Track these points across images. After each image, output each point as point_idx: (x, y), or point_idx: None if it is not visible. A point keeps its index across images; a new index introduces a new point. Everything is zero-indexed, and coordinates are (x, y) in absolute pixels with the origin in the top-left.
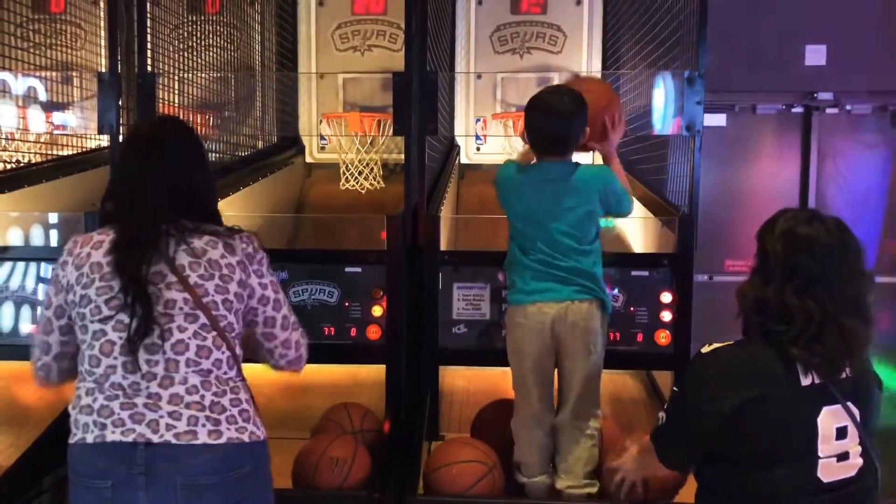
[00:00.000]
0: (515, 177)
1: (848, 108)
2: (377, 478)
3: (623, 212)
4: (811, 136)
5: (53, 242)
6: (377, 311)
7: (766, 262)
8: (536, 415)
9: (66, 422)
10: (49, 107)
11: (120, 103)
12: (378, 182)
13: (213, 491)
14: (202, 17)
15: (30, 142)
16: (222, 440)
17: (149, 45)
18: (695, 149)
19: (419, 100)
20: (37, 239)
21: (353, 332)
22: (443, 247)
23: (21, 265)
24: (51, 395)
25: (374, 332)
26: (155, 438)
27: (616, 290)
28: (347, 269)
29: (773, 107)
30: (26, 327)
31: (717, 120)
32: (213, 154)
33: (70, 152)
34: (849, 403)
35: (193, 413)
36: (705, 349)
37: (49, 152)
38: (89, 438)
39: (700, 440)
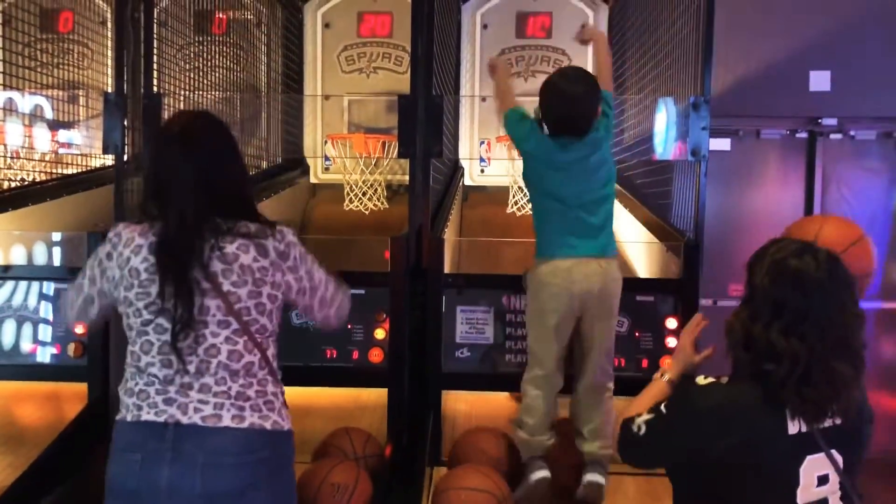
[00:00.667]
0: (542, 154)
1: (852, 133)
2: (379, 502)
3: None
4: (815, 161)
5: (56, 261)
6: (380, 333)
7: (754, 296)
8: (549, 375)
9: (65, 444)
10: (55, 125)
11: (125, 123)
12: (382, 203)
13: (231, 471)
14: (209, 39)
15: (35, 160)
16: (244, 424)
17: (155, 66)
18: (700, 174)
19: (424, 123)
20: (40, 258)
21: (356, 354)
22: (446, 269)
23: (23, 284)
24: (50, 416)
25: (376, 355)
26: (184, 420)
27: (621, 315)
28: (350, 291)
29: (777, 132)
30: (27, 346)
31: (721, 144)
32: None
33: (75, 171)
34: (833, 451)
35: (220, 400)
36: (701, 380)
37: (54, 171)
38: (129, 417)
39: (675, 468)
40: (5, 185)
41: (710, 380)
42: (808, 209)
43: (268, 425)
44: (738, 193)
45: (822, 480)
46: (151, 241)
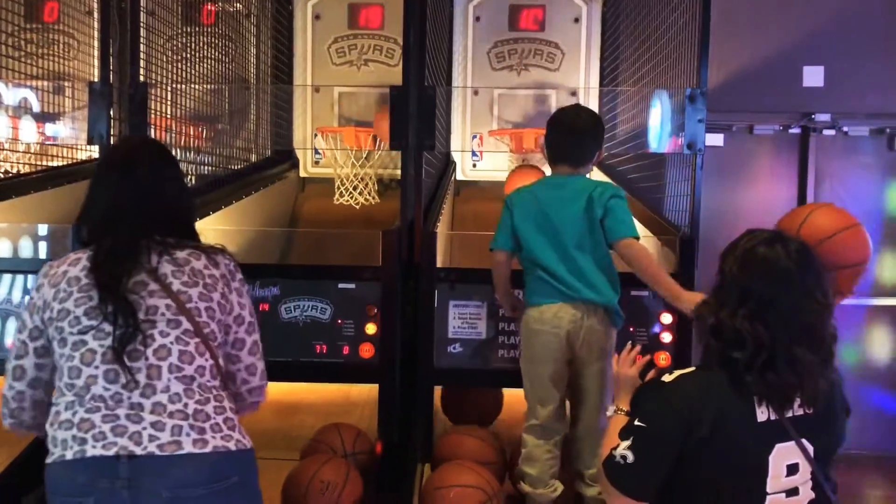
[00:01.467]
0: (525, 195)
1: (845, 129)
2: (369, 501)
3: (618, 238)
4: (808, 157)
5: (42, 254)
6: (371, 328)
7: (724, 283)
8: (547, 425)
9: (44, 441)
10: (40, 117)
11: (112, 113)
12: (373, 197)
13: (200, 503)
14: (197, 29)
15: (19, 152)
16: (208, 449)
17: (142, 56)
18: (696, 167)
19: (416, 114)
20: (25, 251)
21: (346, 350)
22: (439, 264)
23: (7, 277)
24: None
25: (367, 351)
26: (138, 451)
27: None
28: (341, 286)
29: (770, 127)
30: (11, 341)
31: (714, 140)
32: (206, 167)
33: (60, 163)
34: (803, 440)
35: (177, 422)
36: (666, 378)
37: (38, 163)
38: (69, 455)
39: (667, 470)
40: None
41: (676, 374)
42: (801, 204)
43: (232, 446)
44: (731, 189)
45: (792, 470)
46: (90, 253)
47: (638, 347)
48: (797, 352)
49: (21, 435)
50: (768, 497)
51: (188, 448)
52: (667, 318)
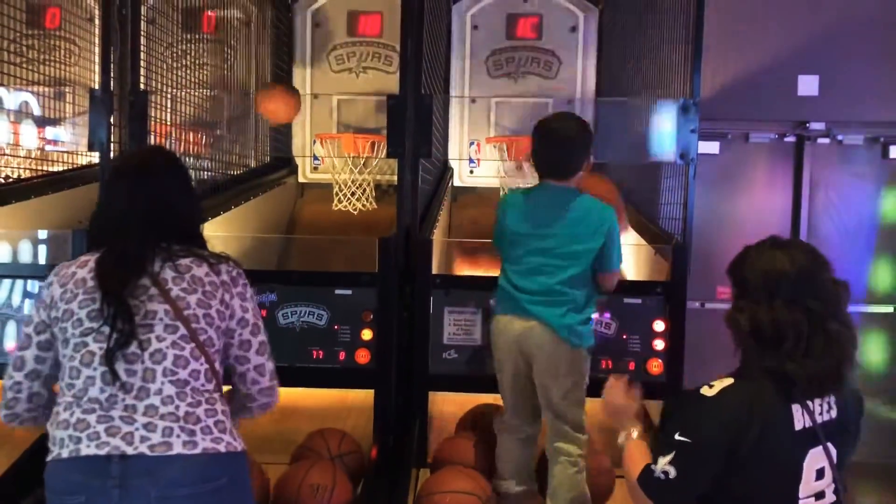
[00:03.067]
0: (519, 198)
1: (840, 138)
2: (359, 501)
3: (609, 269)
4: (803, 165)
5: (42, 259)
6: (367, 334)
7: (747, 288)
8: (513, 425)
9: (45, 443)
10: (41, 122)
11: (112, 120)
12: (370, 203)
13: (188, 503)
14: (197, 37)
15: (19, 157)
16: (197, 450)
17: (143, 63)
18: (689, 177)
19: (413, 122)
20: (25, 255)
21: (342, 355)
22: (435, 270)
23: (7, 282)
24: None
25: (363, 356)
26: (130, 451)
27: (608, 317)
28: (337, 292)
29: (765, 136)
30: (11, 345)
31: (709, 147)
32: (205, 172)
33: (60, 168)
34: (828, 444)
35: (168, 424)
36: (706, 391)
37: (39, 168)
38: (64, 454)
39: (708, 483)
40: None
41: (717, 387)
42: (796, 213)
43: (222, 448)
44: (726, 197)
45: (820, 474)
46: (98, 256)
47: (625, 378)
48: (831, 327)
49: (15, 427)
50: (800, 501)
51: (178, 449)
52: (659, 326)
